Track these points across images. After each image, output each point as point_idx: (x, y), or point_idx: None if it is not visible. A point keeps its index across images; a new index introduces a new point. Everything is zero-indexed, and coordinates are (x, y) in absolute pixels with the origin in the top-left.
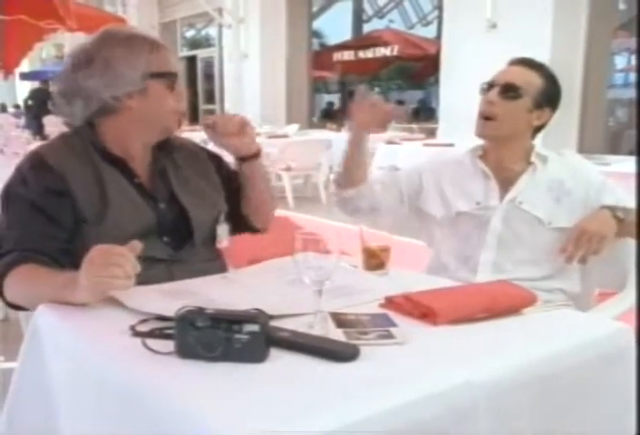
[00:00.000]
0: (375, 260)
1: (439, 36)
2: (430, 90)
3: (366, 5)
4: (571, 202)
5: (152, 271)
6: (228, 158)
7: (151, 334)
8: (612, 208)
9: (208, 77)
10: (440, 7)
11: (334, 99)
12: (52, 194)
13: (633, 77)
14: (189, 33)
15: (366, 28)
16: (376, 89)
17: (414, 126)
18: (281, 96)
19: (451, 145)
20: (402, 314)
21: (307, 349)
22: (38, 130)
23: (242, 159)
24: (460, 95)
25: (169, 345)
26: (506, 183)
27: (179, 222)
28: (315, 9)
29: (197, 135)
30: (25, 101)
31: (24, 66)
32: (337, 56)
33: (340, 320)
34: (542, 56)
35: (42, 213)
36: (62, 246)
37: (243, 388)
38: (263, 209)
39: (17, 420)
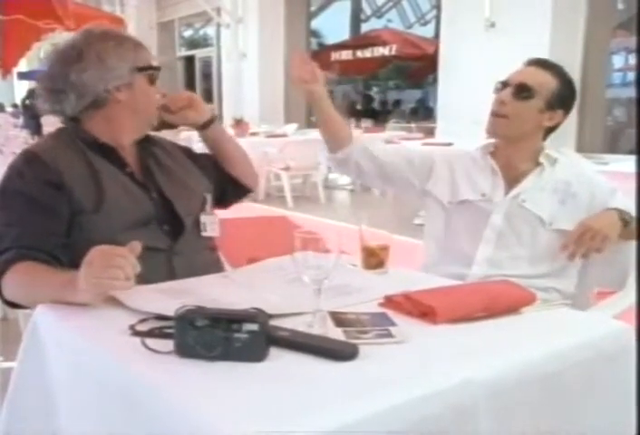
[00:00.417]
0: (375, 259)
1: (437, 36)
2: (428, 89)
3: (364, 5)
4: (576, 205)
5: (153, 261)
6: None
7: (151, 334)
8: (620, 211)
9: (207, 77)
10: (438, 7)
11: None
12: (48, 186)
13: (631, 76)
14: (188, 33)
15: (364, 28)
16: (374, 88)
17: (413, 125)
18: (279, 96)
19: (450, 144)
20: (402, 312)
21: (307, 348)
22: (36, 129)
23: (203, 127)
24: (458, 95)
25: (168, 345)
26: (512, 181)
27: (169, 212)
28: (313, 9)
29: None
30: (23, 101)
31: (23, 66)
32: (335, 56)
33: (339, 319)
34: (540, 55)
35: (40, 206)
36: (60, 242)
37: (242, 387)
38: (242, 165)
39: (17, 419)
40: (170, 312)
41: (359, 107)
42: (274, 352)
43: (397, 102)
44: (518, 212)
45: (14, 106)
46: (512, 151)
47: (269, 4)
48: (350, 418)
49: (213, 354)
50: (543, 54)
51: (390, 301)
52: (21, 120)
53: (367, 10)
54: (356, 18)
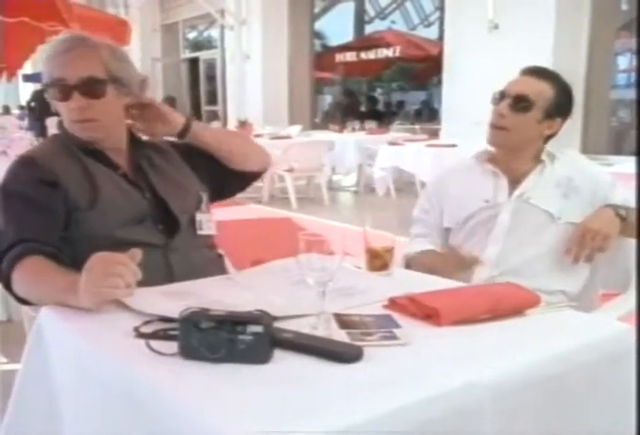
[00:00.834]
0: (379, 261)
1: (441, 37)
2: (432, 91)
3: (368, 6)
4: (579, 199)
5: (150, 257)
6: None
7: (155, 336)
8: (614, 207)
9: (211, 79)
10: (441, 8)
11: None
12: (43, 185)
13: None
14: (192, 35)
15: (368, 29)
16: (378, 90)
17: (417, 127)
18: (283, 97)
19: (454, 146)
20: (406, 315)
21: (311, 350)
22: (41, 131)
23: (180, 136)
24: (462, 96)
25: (172, 346)
26: (514, 181)
27: (164, 211)
28: (316, 10)
29: None
30: (28, 103)
31: (27, 68)
32: (339, 57)
33: (343, 321)
34: (544, 57)
35: (36, 204)
36: (60, 235)
37: (246, 389)
38: (240, 156)
39: (21, 421)
40: (175, 314)
41: (363, 108)
42: (278, 353)
43: (401, 104)
44: (525, 209)
45: (21, 108)
46: (512, 158)
47: (273, 5)
48: (354, 420)
49: (217, 356)
50: (546, 56)
51: (394, 303)
52: (26, 123)
53: (371, 11)
54: (360, 20)
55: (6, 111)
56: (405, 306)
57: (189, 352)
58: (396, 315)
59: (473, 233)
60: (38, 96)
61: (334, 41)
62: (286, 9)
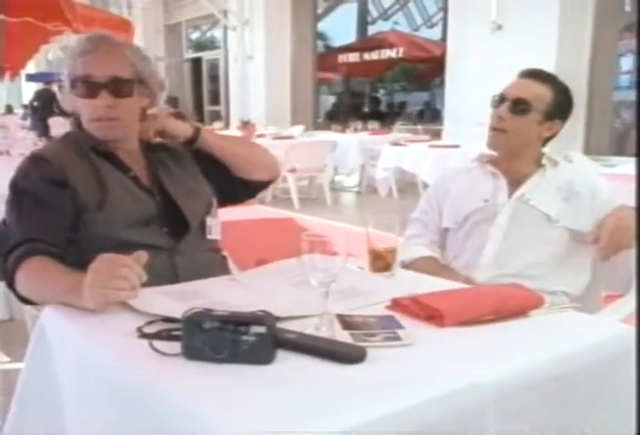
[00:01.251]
0: (382, 261)
1: (444, 38)
2: (435, 91)
3: (371, 7)
4: (579, 204)
5: (156, 260)
6: None
7: (158, 336)
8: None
9: (214, 79)
10: (445, 9)
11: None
12: (53, 184)
13: None
14: (195, 35)
15: (371, 30)
16: (381, 90)
17: (419, 127)
18: (286, 98)
19: (457, 146)
20: (409, 315)
21: (314, 351)
22: (44, 131)
23: (188, 145)
24: (465, 97)
25: (175, 347)
26: (515, 183)
27: (174, 214)
28: (319, 11)
29: None
30: (31, 103)
31: (30, 68)
32: (342, 58)
33: (347, 322)
34: (548, 58)
35: (45, 203)
36: (66, 236)
37: (250, 389)
38: (249, 165)
39: (24, 420)
40: (178, 314)
41: (366, 109)
42: (281, 354)
43: (404, 104)
44: (524, 211)
45: (25, 107)
46: (513, 160)
47: (276, 6)
48: (357, 421)
49: (220, 357)
50: (550, 57)
51: (397, 304)
52: (29, 122)
53: (374, 12)
54: (363, 20)
55: (9, 110)
56: (408, 307)
57: (192, 353)
58: (399, 316)
59: (472, 232)
60: (41, 96)
61: (336, 41)
62: (288, 10)
